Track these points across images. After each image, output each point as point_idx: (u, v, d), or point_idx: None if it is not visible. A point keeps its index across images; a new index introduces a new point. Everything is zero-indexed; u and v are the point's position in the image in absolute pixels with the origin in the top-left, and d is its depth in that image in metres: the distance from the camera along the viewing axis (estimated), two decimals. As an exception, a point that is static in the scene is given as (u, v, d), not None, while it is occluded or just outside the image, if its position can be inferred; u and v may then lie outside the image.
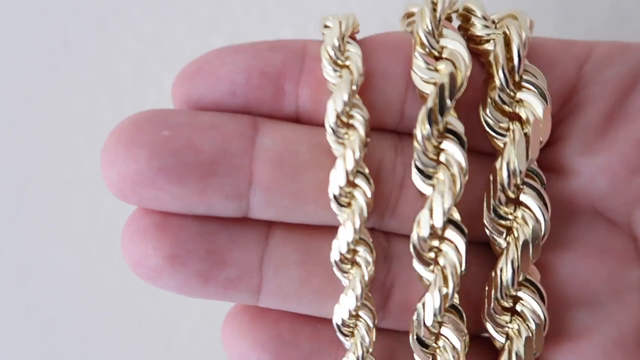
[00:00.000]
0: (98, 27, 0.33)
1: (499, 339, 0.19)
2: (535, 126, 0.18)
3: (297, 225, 0.19)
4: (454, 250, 0.18)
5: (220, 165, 0.18)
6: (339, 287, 0.19)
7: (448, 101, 0.17)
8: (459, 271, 0.18)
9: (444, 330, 0.19)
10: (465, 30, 0.19)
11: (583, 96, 0.19)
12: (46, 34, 0.33)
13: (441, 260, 0.18)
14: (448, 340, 0.19)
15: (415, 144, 0.18)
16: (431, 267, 0.18)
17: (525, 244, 0.18)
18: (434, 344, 0.19)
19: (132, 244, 0.18)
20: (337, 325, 0.19)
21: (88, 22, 0.33)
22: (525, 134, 0.18)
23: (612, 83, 0.19)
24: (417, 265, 0.18)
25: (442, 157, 0.18)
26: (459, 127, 0.18)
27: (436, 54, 0.18)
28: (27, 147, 0.34)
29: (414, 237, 0.18)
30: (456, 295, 0.18)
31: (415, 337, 0.18)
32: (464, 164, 0.18)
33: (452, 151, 0.18)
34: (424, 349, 0.19)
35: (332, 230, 0.19)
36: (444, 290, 0.18)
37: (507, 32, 0.18)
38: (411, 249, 0.18)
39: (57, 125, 0.33)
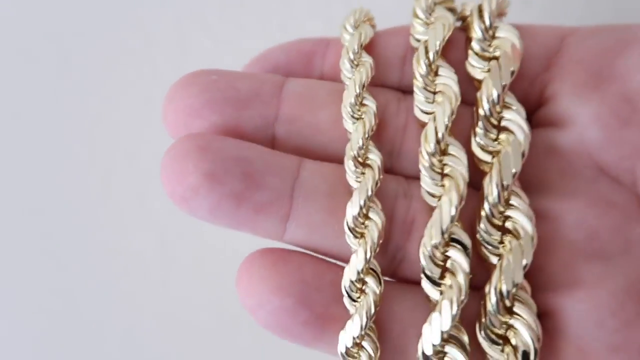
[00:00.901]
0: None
1: (493, 260, 0.20)
2: (505, 58, 0.21)
3: (326, 162, 0.21)
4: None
5: (252, 102, 0.21)
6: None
7: (437, 44, 0.21)
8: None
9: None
10: (461, 15, 0.23)
11: (569, 58, 0.21)
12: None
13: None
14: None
15: (415, 82, 0.21)
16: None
17: (507, 159, 0.20)
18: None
19: (172, 163, 0.19)
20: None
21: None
22: (499, 65, 0.21)
23: (598, 48, 0.21)
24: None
25: (438, 87, 0.21)
26: (449, 67, 0.21)
27: (429, 22, 0.22)
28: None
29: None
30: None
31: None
32: (457, 91, 0.21)
33: (447, 81, 0.21)
34: None
35: None
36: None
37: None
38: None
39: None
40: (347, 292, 0.19)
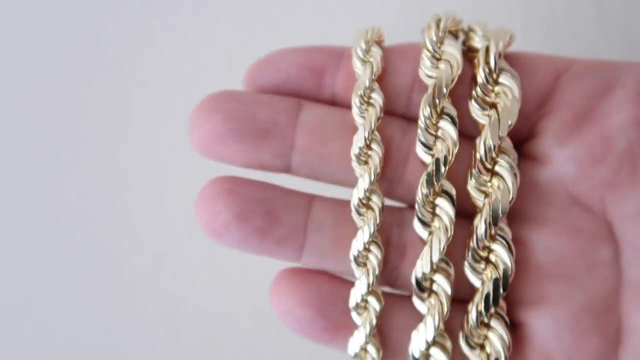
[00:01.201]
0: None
1: (476, 284, 0.24)
2: (504, 111, 0.23)
3: (331, 200, 0.25)
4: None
5: (271, 132, 0.24)
6: None
7: (444, 89, 0.23)
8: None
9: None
10: (468, 43, 0.25)
11: (560, 99, 0.24)
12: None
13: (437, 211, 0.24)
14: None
15: (419, 122, 0.24)
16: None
17: (496, 202, 0.23)
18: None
19: (206, 204, 0.23)
20: (354, 256, 0.24)
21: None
22: (498, 117, 0.23)
23: (586, 89, 0.23)
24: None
25: (439, 133, 0.24)
26: (453, 111, 0.24)
27: (438, 56, 0.24)
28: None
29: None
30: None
31: None
32: (455, 138, 0.23)
33: (448, 128, 0.23)
34: None
35: None
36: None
37: (489, 43, 0.24)
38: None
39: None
40: (354, 309, 0.24)
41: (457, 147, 0.23)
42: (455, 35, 0.25)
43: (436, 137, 0.24)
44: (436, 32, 0.24)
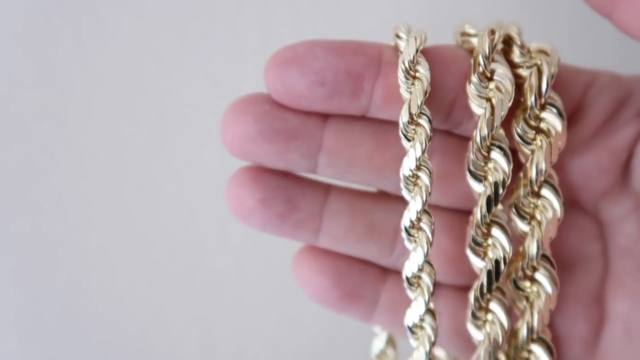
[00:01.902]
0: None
1: (520, 304, 0.24)
2: (557, 137, 0.23)
3: (347, 190, 0.26)
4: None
5: (300, 133, 0.24)
6: (374, 236, 0.26)
7: (502, 112, 0.23)
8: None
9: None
10: (505, 53, 0.24)
11: (581, 115, 0.25)
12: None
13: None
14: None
15: (473, 145, 0.23)
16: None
17: (548, 224, 0.23)
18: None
19: (234, 191, 0.25)
20: (407, 277, 0.24)
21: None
22: (550, 142, 0.23)
23: (603, 106, 0.24)
24: None
25: (493, 155, 0.23)
26: (505, 142, 0.23)
27: (487, 75, 0.23)
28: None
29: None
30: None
31: None
32: (507, 171, 0.23)
33: (499, 160, 0.23)
34: None
35: (370, 195, 0.26)
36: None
37: (539, 65, 0.23)
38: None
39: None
40: (410, 330, 0.24)
41: (509, 180, 0.23)
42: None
43: (488, 159, 0.23)
44: (490, 47, 0.23)
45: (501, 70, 0.23)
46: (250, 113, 0.24)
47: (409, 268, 0.24)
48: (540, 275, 0.24)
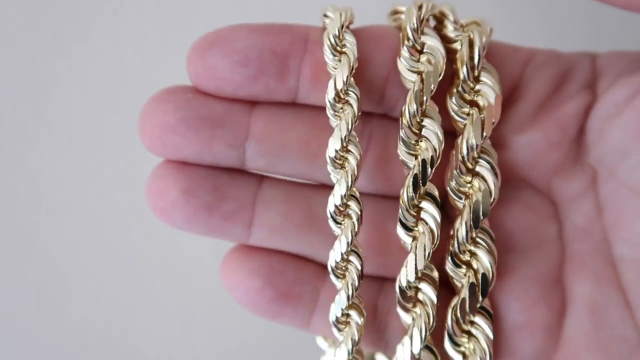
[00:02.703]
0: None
1: (458, 286, 0.23)
2: (489, 110, 0.22)
3: (283, 179, 0.24)
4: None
5: (225, 119, 0.22)
6: (315, 225, 0.23)
7: (432, 86, 0.22)
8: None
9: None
10: (438, 30, 0.23)
11: (522, 90, 0.24)
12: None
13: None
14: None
15: (403, 120, 0.22)
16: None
17: (477, 204, 0.22)
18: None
19: (155, 181, 0.23)
20: (332, 267, 0.23)
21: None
22: (482, 117, 0.22)
23: (544, 81, 0.24)
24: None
25: (423, 132, 0.22)
26: (435, 108, 0.22)
27: (418, 48, 0.22)
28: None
29: None
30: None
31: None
32: (441, 136, 0.22)
33: (432, 127, 0.22)
34: None
35: (309, 185, 0.24)
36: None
37: (471, 36, 0.22)
38: None
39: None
40: (334, 324, 0.23)
41: (442, 147, 0.22)
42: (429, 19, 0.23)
43: (419, 136, 0.22)
44: (418, 19, 0.22)
45: (431, 42, 0.22)
46: (170, 101, 0.22)
47: (333, 257, 0.23)
48: (475, 262, 0.23)
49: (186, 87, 0.23)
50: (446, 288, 0.24)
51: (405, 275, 0.22)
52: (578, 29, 0.36)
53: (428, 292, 0.23)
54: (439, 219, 0.22)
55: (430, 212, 0.22)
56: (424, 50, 0.22)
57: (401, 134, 0.22)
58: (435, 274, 0.23)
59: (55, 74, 0.35)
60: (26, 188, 0.36)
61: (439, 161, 0.22)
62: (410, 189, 0.22)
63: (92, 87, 0.36)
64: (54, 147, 0.36)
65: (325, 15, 0.23)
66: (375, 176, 0.24)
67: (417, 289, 0.23)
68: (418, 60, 0.22)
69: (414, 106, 0.22)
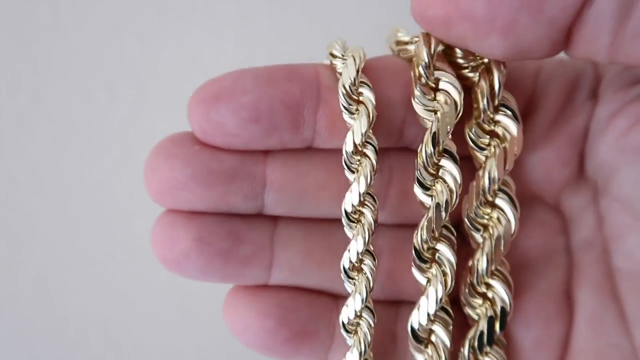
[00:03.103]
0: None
1: (474, 316, 0.22)
2: (511, 142, 0.21)
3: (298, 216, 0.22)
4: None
5: (239, 172, 0.21)
6: (337, 259, 0.22)
7: (448, 127, 0.20)
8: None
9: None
10: (448, 56, 0.21)
11: (534, 106, 0.23)
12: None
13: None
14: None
15: (419, 160, 0.21)
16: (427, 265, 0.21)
17: (499, 239, 0.21)
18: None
19: (163, 232, 0.21)
20: (343, 323, 0.22)
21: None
22: (504, 148, 0.21)
23: (556, 93, 0.23)
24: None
25: (440, 172, 0.21)
26: (453, 148, 0.21)
27: (432, 85, 0.20)
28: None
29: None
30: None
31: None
32: (458, 178, 0.21)
33: (449, 168, 0.21)
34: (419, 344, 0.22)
35: (326, 219, 0.22)
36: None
37: (487, 64, 0.21)
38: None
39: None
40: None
41: (461, 189, 0.21)
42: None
43: (436, 176, 0.21)
44: (429, 56, 0.20)
45: (446, 79, 0.20)
46: (177, 156, 0.20)
47: (346, 314, 0.21)
48: (491, 293, 0.22)
49: (192, 137, 0.21)
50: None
51: (417, 317, 0.22)
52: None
53: (441, 334, 0.22)
54: (454, 262, 0.21)
55: (445, 255, 0.21)
56: (439, 87, 0.20)
57: (417, 174, 0.21)
58: (450, 320, 0.22)
59: (53, 61, 0.34)
60: (22, 179, 0.35)
61: (456, 203, 0.21)
62: (425, 232, 0.21)
63: (89, 75, 0.34)
64: (52, 139, 0.34)
65: (332, 55, 0.20)
66: (397, 210, 0.23)
67: (431, 331, 0.22)
68: (434, 99, 0.20)
69: (431, 148, 0.20)
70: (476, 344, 0.22)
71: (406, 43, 0.21)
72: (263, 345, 0.22)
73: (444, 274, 0.21)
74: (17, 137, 0.34)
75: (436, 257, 0.22)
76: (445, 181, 0.21)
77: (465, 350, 0.22)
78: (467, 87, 0.21)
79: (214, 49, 0.33)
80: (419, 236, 0.21)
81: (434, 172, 0.21)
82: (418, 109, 0.21)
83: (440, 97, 0.20)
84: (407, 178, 0.22)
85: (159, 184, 0.20)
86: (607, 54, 0.18)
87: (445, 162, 0.21)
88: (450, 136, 0.21)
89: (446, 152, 0.21)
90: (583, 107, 0.22)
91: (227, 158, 0.21)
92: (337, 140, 0.21)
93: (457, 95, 0.20)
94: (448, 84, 0.20)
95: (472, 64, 0.21)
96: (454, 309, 0.23)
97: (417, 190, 0.21)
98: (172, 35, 0.33)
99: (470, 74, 0.21)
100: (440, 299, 0.21)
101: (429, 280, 0.22)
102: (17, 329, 0.36)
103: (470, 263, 0.22)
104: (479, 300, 0.22)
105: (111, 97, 0.34)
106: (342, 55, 0.20)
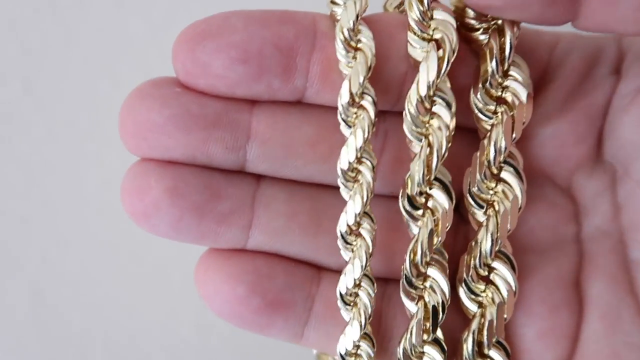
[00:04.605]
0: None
1: (471, 307, 0.21)
2: (520, 109, 0.20)
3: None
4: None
5: (222, 119, 0.20)
6: (322, 226, 0.21)
7: (432, 81, 0.19)
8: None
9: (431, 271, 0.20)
10: (460, 16, 0.20)
11: (550, 78, 0.22)
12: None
13: (431, 204, 0.20)
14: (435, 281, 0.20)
15: (409, 107, 0.19)
16: (420, 212, 0.20)
17: (505, 215, 0.20)
18: (421, 285, 0.20)
19: (133, 180, 0.20)
20: (341, 294, 0.20)
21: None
22: (512, 116, 0.20)
23: (573, 66, 0.22)
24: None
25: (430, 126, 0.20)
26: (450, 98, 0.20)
27: (427, 37, 0.20)
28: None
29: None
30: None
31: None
32: (451, 126, 0.20)
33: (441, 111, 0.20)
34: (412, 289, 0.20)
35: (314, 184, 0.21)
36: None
37: (500, 25, 0.20)
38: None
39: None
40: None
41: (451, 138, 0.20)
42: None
43: (431, 112, 0.20)
44: (420, 7, 0.19)
45: (440, 16, 0.20)
46: (155, 97, 0.19)
47: (344, 283, 0.20)
48: (496, 277, 0.21)
49: (174, 80, 0.20)
50: None
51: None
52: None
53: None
54: (447, 207, 0.20)
55: (439, 200, 0.20)
56: (434, 37, 0.20)
57: (409, 110, 0.20)
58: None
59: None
60: (16, 178, 0.34)
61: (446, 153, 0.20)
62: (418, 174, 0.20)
63: (90, 61, 0.33)
64: (46, 135, 0.34)
65: (333, 2, 0.20)
66: (390, 178, 0.21)
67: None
68: (430, 39, 0.20)
69: (424, 89, 0.19)
70: (485, 335, 0.20)
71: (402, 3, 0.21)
72: (233, 313, 0.20)
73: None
74: (8, 133, 0.34)
75: (428, 204, 0.20)
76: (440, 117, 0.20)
77: (470, 343, 0.21)
78: (475, 51, 0.20)
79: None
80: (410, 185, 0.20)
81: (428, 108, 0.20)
82: (413, 61, 0.20)
83: (437, 34, 0.19)
84: (402, 144, 0.21)
85: (134, 126, 0.19)
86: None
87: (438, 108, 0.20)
88: (448, 82, 0.20)
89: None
90: (603, 82, 0.21)
91: (211, 103, 0.20)
92: (331, 94, 0.20)
93: (452, 33, 0.19)
94: (442, 21, 0.20)
95: (484, 25, 0.20)
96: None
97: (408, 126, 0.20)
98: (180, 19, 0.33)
99: (482, 37, 0.20)
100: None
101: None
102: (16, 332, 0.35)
103: (473, 243, 0.21)
104: (482, 286, 0.21)
105: (115, 86, 0.33)
106: (344, 3, 0.19)
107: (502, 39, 0.20)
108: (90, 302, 0.35)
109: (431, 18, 0.20)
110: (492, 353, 0.21)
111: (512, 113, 0.20)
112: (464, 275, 0.21)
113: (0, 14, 0.33)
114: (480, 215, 0.21)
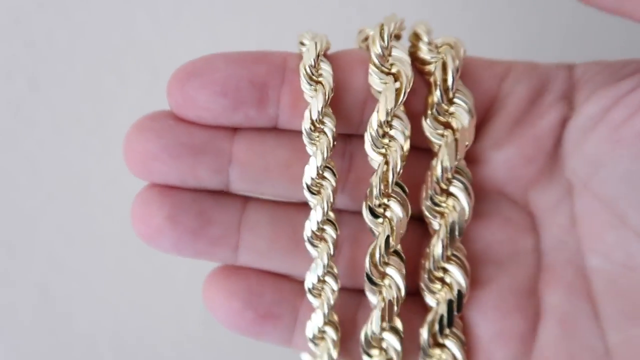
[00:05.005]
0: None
1: (431, 303, 0.24)
2: (462, 133, 0.23)
3: (267, 200, 0.25)
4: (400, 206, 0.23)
5: (207, 146, 0.23)
6: (300, 247, 0.24)
7: (401, 98, 0.22)
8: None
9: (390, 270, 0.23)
10: (413, 53, 0.23)
11: (499, 105, 0.24)
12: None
13: (388, 214, 0.23)
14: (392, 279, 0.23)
15: (370, 130, 0.22)
16: (380, 220, 0.23)
17: (453, 225, 0.23)
18: (381, 283, 0.23)
19: (140, 208, 0.23)
20: (308, 288, 0.24)
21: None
22: (456, 139, 0.23)
23: (521, 95, 0.24)
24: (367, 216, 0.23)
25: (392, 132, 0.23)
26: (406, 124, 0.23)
27: (386, 70, 0.23)
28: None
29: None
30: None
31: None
32: (405, 147, 0.23)
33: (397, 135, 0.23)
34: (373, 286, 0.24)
35: (294, 205, 0.25)
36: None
37: (444, 59, 0.23)
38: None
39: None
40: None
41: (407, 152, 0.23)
42: (397, 37, 0.24)
43: (389, 136, 0.23)
44: (381, 44, 0.23)
45: (397, 54, 0.23)
46: (152, 129, 0.23)
47: (310, 279, 0.24)
48: (449, 278, 0.24)
49: (168, 114, 0.23)
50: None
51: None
52: (557, 37, 0.36)
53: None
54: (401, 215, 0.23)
55: (393, 208, 0.23)
56: (392, 71, 0.23)
57: (370, 132, 0.23)
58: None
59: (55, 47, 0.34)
60: (22, 177, 0.35)
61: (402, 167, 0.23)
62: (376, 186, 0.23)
63: (96, 57, 0.34)
64: (53, 132, 0.35)
65: (302, 43, 0.23)
66: (357, 195, 0.24)
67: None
68: (386, 83, 0.23)
69: (383, 115, 0.22)
70: (437, 327, 0.23)
71: (367, 38, 0.24)
72: (232, 324, 0.24)
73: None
74: (14, 131, 0.35)
75: (386, 214, 0.23)
76: (396, 140, 0.23)
77: (425, 333, 0.23)
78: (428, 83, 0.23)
79: (235, 25, 0.34)
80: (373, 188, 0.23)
81: (382, 142, 0.23)
82: (374, 92, 0.23)
83: (394, 69, 0.23)
84: (366, 164, 0.24)
85: (135, 155, 0.23)
86: None
87: (395, 133, 0.23)
88: (402, 108, 0.23)
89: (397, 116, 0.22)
90: (553, 108, 0.24)
91: (198, 133, 0.23)
92: (300, 120, 0.23)
93: (408, 69, 0.22)
94: (400, 58, 0.23)
95: (434, 59, 0.23)
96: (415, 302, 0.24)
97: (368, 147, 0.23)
98: (188, 17, 0.34)
99: (433, 68, 0.23)
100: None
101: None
102: (20, 333, 0.36)
103: (427, 250, 0.24)
104: (438, 286, 0.24)
105: (121, 83, 0.35)
106: (308, 44, 0.23)
107: (445, 71, 0.23)
108: (97, 300, 0.37)
109: (389, 54, 0.23)
110: (448, 342, 0.24)
111: (455, 136, 0.23)
112: (423, 276, 0.24)
113: (5, 10, 0.34)
114: (435, 224, 0.23)
